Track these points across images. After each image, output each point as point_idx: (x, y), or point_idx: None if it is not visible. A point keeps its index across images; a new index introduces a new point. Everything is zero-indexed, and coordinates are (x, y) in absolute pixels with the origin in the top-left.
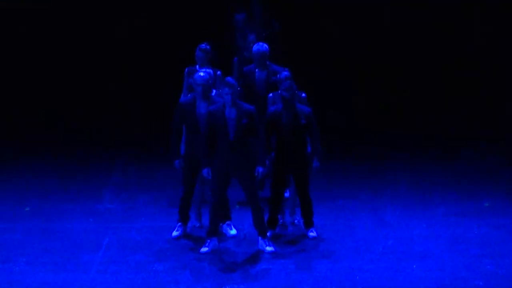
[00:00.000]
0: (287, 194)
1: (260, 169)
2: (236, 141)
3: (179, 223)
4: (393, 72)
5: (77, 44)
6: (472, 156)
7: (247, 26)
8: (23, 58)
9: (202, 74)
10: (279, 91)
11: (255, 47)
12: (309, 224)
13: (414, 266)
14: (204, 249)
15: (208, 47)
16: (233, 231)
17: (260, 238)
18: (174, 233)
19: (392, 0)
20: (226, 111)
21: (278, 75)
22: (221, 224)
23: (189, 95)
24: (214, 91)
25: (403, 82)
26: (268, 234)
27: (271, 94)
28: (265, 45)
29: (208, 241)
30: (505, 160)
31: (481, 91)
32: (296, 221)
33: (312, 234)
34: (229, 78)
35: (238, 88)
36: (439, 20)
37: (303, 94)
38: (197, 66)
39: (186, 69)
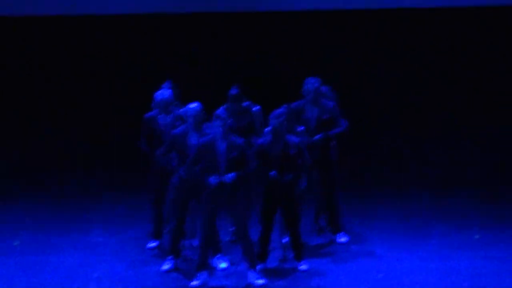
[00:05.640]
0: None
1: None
2: (225, 174)
3: (170, 256)
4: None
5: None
6: (462, 189)
7: None
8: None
9: (194, 105)
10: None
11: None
12: (299, 257)
13: None
14: (194, 283)
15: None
16: (223, 264)
17: (250, 271)
18: (165, 267)
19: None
20: (216, 143)
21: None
22: (211, 257)
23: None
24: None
25: (390, 118)
26: (258, 267)
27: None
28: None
29: (199, 274)
30: (494, 193)
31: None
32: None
33: (303, 267)
34: (219, 111)
35: (229, 121)
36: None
37: (300, 128)
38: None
39: (146, 115)
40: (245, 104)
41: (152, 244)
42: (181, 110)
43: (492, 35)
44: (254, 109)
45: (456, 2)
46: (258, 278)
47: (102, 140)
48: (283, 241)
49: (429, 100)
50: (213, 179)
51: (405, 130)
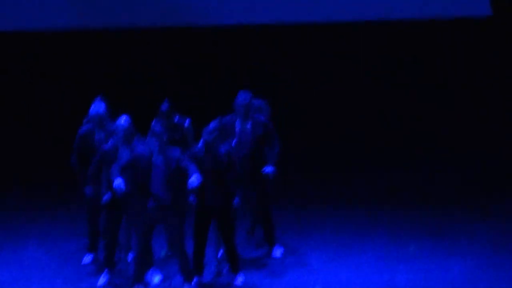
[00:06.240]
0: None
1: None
2: (162, 189)
3: (105, 269)
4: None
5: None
6: (397, 202)
7: None
8: None
9: (123, 120)
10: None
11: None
12: (235, 270)
13: None
14: None
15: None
16: (157, 278)
17: (185, 285)
18: (101, 281)
19: None
20: (153, 158)
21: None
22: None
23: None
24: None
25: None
26: (193, 281)
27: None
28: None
29: None
30: (428, 205)
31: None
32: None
33: (239, 280)
34: (154, 125)
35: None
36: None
37: (233, 141)
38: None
39: (82, 130)
40: (176, 118)
41: (88, 258)
42: (111, 124)
43: (456, 49)
44: (185, 123)
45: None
46: None
47: (36, 152)
48: (219, 255)
49: (357, 110)
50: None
51: (340, 143)
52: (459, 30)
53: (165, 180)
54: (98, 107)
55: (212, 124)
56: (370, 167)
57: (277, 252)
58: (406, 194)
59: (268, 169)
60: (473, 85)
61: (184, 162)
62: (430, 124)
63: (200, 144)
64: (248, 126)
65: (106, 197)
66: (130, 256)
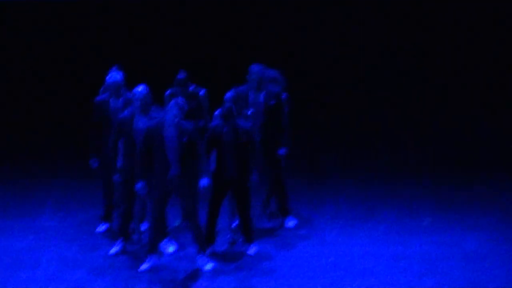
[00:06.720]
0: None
1: (204, 182)
2: (176, 159)
3: (119, 240)
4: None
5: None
6: (412, 175)
7: None
8: None
9: (140, 89)
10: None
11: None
12: (249, 241)
13: (355, 285)
14: (144, 266)
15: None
16: (171, 248)
17: (199, 255)
18: (113, 250)
19: None
20: (167, 129)
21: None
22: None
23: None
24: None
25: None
26: (207, 251)
27: (217, 111)
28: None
29: (148, 257)
30: (443, 179)
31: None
32: (236, 238)
33: (252, 251)
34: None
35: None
36: None
37: (249, 111)
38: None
39: (98, 99)
40: (191, 88)
41: (102, 228)
42: (128, 93)
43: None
44: (200, 92)
45: None
46: (207, 263)
47: (51, 123)
48: (233, 225)
49: (379, 91)
50: (138, 186)
51: (356, 116)
52: None
53: (178, 151)
54: (115, 75)
55: (228, 94)
56: (386, 140)
57: (291, 223)
58: (421, 167)
59: (282, 151)
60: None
61: (196, 137)
62: (445, 97)
63: (216, 113)
64: (261, 97)
65: (116, 178)
66: (143, 226)
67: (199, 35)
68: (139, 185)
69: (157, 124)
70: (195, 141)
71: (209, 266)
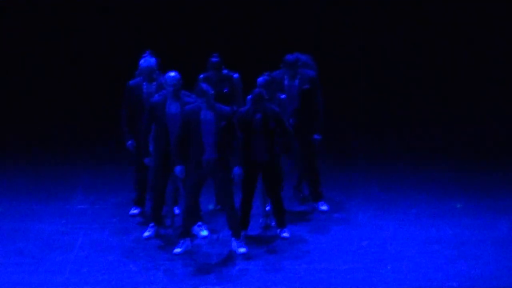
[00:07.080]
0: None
1: (238, 170)
2: (212, 143)
3: (151, 223)
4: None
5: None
6: (444, 158)
7: None
8: None
9: (173, 74)
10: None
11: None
12: (281, 225)
13: (388, 267)
14: (177, 250)
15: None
16: (204, 232)
17: (233, 239)
18: (146, 234)
19: None
20: (201, 113)
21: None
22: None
23: (158, 94)
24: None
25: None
26: (241, 234)
27: (250, 96)
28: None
29: (181, 241)
30: (476, 163)
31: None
32: (269, 222)
33: (285, 234)
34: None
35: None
36: None
37: (282, 96)
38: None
39: (131, 82)
40: (224, 71)
41: (134, 211)
42: (161, 78)
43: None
44: (234, 76)
45: None
46: (240, 247)
47: (82, 108)
48: (266, 208)
49: (409, 73)
50: (178, 170)
51: (386, 101)
52: None
53: (215, 135)
54: (148, 60)
55: (261, 79)
56: (419, 124)
57: (323, 207)
58: (454, 151)
59: (316, 136)
60: None
61: (233, 121)
62: (481, 83)
63: (249, 97)
64: (296, 81)
65: (147, 161)
66: (176, 210)
67: (233, 20)
68: (178, 169)
69: (194, 108)
70: (233, 125)
71: (242, 250)
